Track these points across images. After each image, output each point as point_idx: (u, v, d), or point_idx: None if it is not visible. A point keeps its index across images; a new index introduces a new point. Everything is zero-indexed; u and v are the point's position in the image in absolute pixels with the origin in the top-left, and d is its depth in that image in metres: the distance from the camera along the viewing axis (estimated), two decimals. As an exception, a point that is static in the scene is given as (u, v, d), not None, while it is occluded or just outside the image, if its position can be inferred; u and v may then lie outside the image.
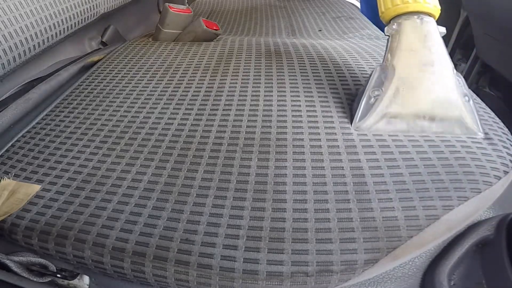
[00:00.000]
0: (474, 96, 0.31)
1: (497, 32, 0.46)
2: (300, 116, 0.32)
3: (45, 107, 0.39)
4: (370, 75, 0.31)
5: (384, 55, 0.31)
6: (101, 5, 0.51)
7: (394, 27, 0.30)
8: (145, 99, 0.38)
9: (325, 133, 0.30)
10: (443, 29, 0.30)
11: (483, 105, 0.33)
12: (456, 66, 0.79)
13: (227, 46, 0.50)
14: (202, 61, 0.45)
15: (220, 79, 0.40)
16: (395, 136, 0.29)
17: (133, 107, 0.37)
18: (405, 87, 0.28)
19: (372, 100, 0.29)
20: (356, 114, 0.30)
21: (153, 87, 0.40)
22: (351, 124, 0.30)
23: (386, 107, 0.29)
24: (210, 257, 0.21)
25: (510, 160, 0.26)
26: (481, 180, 0.24)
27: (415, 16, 0.29)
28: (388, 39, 0.31)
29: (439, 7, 0.29)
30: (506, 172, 0.25)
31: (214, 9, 0.86)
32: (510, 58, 0.57)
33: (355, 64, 0.40)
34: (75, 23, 0.46)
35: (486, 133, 0.27)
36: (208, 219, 0.24)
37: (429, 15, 0.29)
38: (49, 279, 0.21)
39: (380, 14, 0.31)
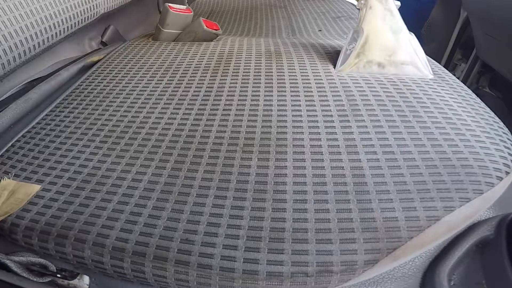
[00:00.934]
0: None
1: (497, 32, 0.47)
2: (300, 116, 0.32)
3: (45, 107, 0.39)
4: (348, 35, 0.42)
5: (358, 21, 0.41)
6: (101, 5, 0.51)
7: (362, 1, 0.41)
8: (145, 99, 0.38)
9: (325, 132, 0.30)
10: (398, 3, 0.41)
11: (483, 104, 0.33)
12: (456, 66, 0.79)
13: (227, 46, 0.50)
14: (202, 61, 0.45)
15: (220, 79, 0.40)
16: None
17: (133, 107, 0.37)
18: (369, 42, 0.39)
19: (348, 51, 0.40)
20: (338, 62, 0.41)
21: (153, 87, 0.40)
22: (334, 68, 0.40)
23: (357, 55, 0.39)
24: (210, 257, 0.21)
25: (511, 160, 0.26)
26: (484, 181, 0.24)
27: None
28: (359, 11, 0.41)
29: None
30: (507, 173, 0.25)
31: (214, 9, 0.86)
32: (510, 58, 0.57)
33: (355, 64, 0.40)
34: (75, 23, 0.46)
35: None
36: (208, 219, 0.24)
37: None
38: (49, 279, 0.21)
39: None
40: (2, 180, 0.28)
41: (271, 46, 0.49)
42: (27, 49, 0.38)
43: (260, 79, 0.39)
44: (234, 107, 0.35)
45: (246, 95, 0.36)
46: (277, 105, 0.34)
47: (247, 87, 0.38)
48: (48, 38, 0.41)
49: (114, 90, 0.40)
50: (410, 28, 0.53)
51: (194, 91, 0.38)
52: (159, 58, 0.47)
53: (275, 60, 0.44)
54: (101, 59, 0.50)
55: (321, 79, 0.38)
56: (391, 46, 0.39)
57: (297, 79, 0.38)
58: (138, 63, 0.46)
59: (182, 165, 0.28)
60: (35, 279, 0.21)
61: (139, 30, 0.70)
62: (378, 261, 0.21)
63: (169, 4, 0.52)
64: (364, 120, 0.31)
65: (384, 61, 0.39)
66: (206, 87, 0.39)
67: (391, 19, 0.39)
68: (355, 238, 0.21)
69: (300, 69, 0.41)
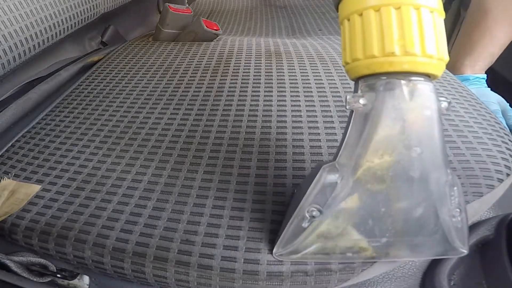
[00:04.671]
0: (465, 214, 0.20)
1: (497, 32, 0.47)
2: (300, 116, 0.32)
3: (45, 107, 0.39)
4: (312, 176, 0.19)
5: (339, 149, 0.18)
6: (101, 5, 0.51)
7: (362, 102, 0.17)
8: (145, 99, 0.38)
9: (325, 133, 0.30)
10: (446, 104, 0.17)
11: (484, 105, 0.33)
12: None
13: (227, 46, 0.50)
14: (202, 61, 0.45)
15: (220, 79, 0.40)
16: None
17: (133, 107, 0.37)
18: (362, 217, 0.18)
19: (306, 223, 0.19)
20: (281, 237, 0.20)
21: (153, 87, 0.40)
22: (271, 252, 0.21)
23: (322, 237, 0.19)
24: (210, 258, 0.21)
25: None
26: (484, 184, 0.24)
27: (404, 81, 0.16)
28: (349, 117, 0.18)
29: (447, 58, 0.16)
30: (508, 175, 0.25)
31: (214, 9, 0.86)
32: (510, 58, 0.57)
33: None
34: (75, 23, 0.46)
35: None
36: (208, 220, 0.24)
37: (428, 76, 0.16)
38: (49, 279, 0.21)
39: (343, 64, 0.18)
40: (2, 180, 0.28)
41: (271, 46, 0.49)
42: (27, 49, 0.38)
43: (260, 79, 0.39)
44: (234, 107, 0.35)
45: (246, 95, 0.36)
46: (277, 105, 0.34)
47: (247, 87, 0.38)
48: (48, 38, 0.41)
49: (114, 90, 0.40)
50: None
51: (194, 91, 0.38)
52: (159, 58, 0.47)
53: (275, 60, 0.44)
54: (101, 59, 0.50)
55: (321, 79, 0.38)
56: (407, 216, 0.18)
57: (297, 79, 0.38)
58: (138, 63, 0.46)
59: (182, 166, 0.28)
60: (35, 279, 0.21)
61: (139, 30, 0.70)
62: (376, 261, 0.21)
63: (169, 4, 0.52)
64: None
65: (380, 242, 0.19)
66: (206, 87, 0.39)
67: (425, 158, 0.17)
68: None
69: (300, 69, 0.41)
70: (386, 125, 0.16)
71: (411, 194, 0.17)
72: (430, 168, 0.17)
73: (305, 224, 0.19)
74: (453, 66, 0.49)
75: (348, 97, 0.17)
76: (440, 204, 0.18)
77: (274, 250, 0.21)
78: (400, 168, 0.17)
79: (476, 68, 0.47)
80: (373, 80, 0.17)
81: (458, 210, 0.19)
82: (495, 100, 0.43)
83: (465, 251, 0.20)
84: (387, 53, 0.15)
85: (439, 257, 0.21)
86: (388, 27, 0.15)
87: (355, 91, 0.17)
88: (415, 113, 0.16)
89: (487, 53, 0.47)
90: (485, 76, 0.48)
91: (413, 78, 0.16)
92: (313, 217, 0.19)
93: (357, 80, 0.18)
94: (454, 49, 0.51)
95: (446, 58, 0.16)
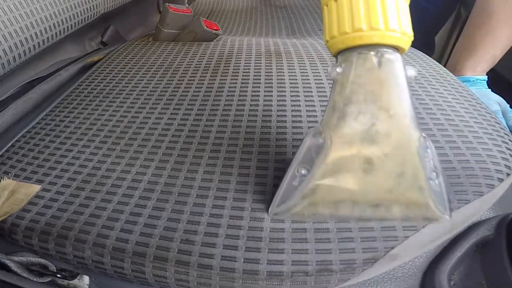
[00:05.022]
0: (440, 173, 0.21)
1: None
2: (300, 116, 0.32)
3: (45, 107, 0.39)
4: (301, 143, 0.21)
5: (325, 115, 0.20)
6: (101, 5, 0.51)
7: (338, 70, 0.20)
8: (145, 99, 0.38)
9: (325, 133, 0.30)
10: (412, 72, 0.20)
11: (484, 105, 0.33)
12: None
13: (227, 46, 0.50)
14: (202, 61, 0.45)
15: (220, 79, 0.40)
16: None
17: (133, 107, 0.37)
18: (341, 170, 0.20)
19: (297, 181, 0.21)
20: (275, 197, 0.23)
21: (153, 87, 0.40)
22: (267, 212, 0.23)
23: (311, 194, 0.21)
24: (210, 257, 0.21)
25: None
26: (484, 183, 0.24)
27: (372, 52, 0.19)
28: (332, 86, 0.20)
29: (411, 34, 0.19)
30: (508, 174, 0.25)
31: (214, 9, 0.86)
32: (510, 58, 0.57)
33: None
34: (75, 23, 0.46)
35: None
36: (208, 219, 0.24)
37: (395, 48, 0.19)
38: (49, 279, 0.21)
39: (325, 42, 0.21)
40: (2, 180, 0.28)
41: (271, 46, 0.49)
42: (27, 49, 0.38)
43: (260, 79, 0.39)
44: (234, 107, 0.35)
45: (246, 95, 0.36)
46: (277, 105, 0.34)
47: (247, 87, 0.38)
48: (48, 38, 0.41)
49: (114, 90, 0.40)
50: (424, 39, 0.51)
51: (194, 91, 0.38)
52: (159, 58, 0.47)
53: (275, 60, 0.44)
54: (101, 59, 0.50)
55: (321, 79, 0.38)
56: (383, 176, 0.20)
57: (297, 79, 0.38)
58: (138, 63, 0.46)
59: (182, 166, 0.28)
60: (35, 279, 0.21)
61: (139, 30, 0.70)
62: (377, 260, 0.21)
63: (169, 4, 0.52)
64: None
65: (361, 203, 0.21)
66: (206, 87, 0.39)
67: (393, 119, 0.19)
68: (353, 237, 0.21)
69: (300, 69, 0.41)
70: (358, 90, 0.19)
71: (387, 152, 0.19)
72: (402, 128, 0.19)
73: (295, 183, 0.21)
74: (454, 68, 0.49)
75: (328, 68, 0.20)
76: (414, 164, 0.20)
77: (269, 210, 0.23)
78: (374, 129, 0.19)
79: (477, 70, 0.47)
80: (348, 53, 0.20)
81: (434, 173, 0.20)
82: (495, 101, 0.43)
83: (448, 216, 0.21)
84: (356, 29, 0.19)
85: (425, 223, 0.22)
86: (356, 9, 0.19)
87: (332, 68, 0.20)
88: (384, 78, 0.19)
89: (488, 55, 0.47)
90: (485, 77, 0.48)
91: (380, 49, 0.19)
92: (303, 175, 0.21)
93: (336, 55, 0.21)
94: (455, 50, 0.51)
95: (409, 33, 0.19)
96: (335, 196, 0.21)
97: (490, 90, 0.46)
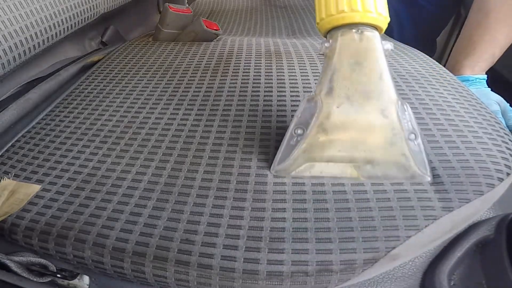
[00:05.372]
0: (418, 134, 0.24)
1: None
2: (300, 116, 0.32)
3: (45, 107, 0.39)
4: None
5: (317, 84, 0.25)
6: (101, 5, 0.51)
7: (326, 45, 0.24)
8: (145, 99, 0.38)
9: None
10: (388, 46, 0.24)
11: (484, 105, 0.33)
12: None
13: (227, 46, 0.50)
14: (202, 61, 0.45)
15: (220, 79, 0.40)
16: None
17: (133, 107, 0.37)
18: (332, 126, 0.23)
19: (294, 140, 0.24)
20: (276, 156, 0.26)
21: (153, 87, 0.40)
22: (269, 169, 0.25)
23: (307, 150, 0.24)
24: (210, 257, 0.21)
25: None
26: (484, 183, 0.24)
27: (354, 30, 0.23)
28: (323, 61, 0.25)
29: (386, 15, 0.23)
30: (508, 174, 0.25)
31: (214, 9, 0.86)
32: (510, 58, 0.57)
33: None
34: (75, 23, 0.46)
35: (436, 175, 0.24)
36: (208, 219, 0.24)
37: (373, 27, 0.23)
38: (49, 279, 0.21)
39: (316, 25, 0.26)
40: (2, 180, 0.28)
41: (271, 46, 0.49)
42: (27, 49, 0.38)
43: (260, 79, 0.39)
44: (234, 107, 0.35)
45: (246, 95, 0.36)
46: (277, 105, 0.34)
47: (247, 87, 0.38)
48: (48, 38, 0.41)
49: (114, 90, 0.40)
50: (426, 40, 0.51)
51: (194, 91, 0.38)
52: (159, 58, 0.47)
53: (275, 60, 0.44)
54: (101, 59, 0.50)
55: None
56: (367, 135, 0.23)
57: (297, 79, 0.38)
58: (138, 63, 0.46)
59: (182, 166, 0.28)
60: (35, 279, 0.21)
61: (139, 30, 0.70)
62: (377, 261, 0.21)
63: (169, 4, 0.52)
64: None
65: (349, 160, 0.24)
66: (206, 87, 0.39)
67: (374, 81, 0.23)
68: (354, 237, 0.21)
69: (300, 69, 0.41)
70: (343, 60, 0.23)
71: (366, 110, 0.23)
72: (381, 91, 0.23)
73: (293, 142, 0.25)
74: (453, 67, 0.49)
75: (319, 45, 0.25)
76: (394, 124, 0.23)
77: (271, 168, 0.26)
78: (357, 93, 0.23)
79: (476, 69, 0.47)
80: (334, 31, 0.24)
81: (413, 134, 0.24)
82: (495, 101, 0.43)
83: (428, 177, 0.24)
84: (340, 11, 0.23)
85: (410, 181, 0.24)
86: None
87: (322, 45, 0.24)
88: (364, 50, 0.23)
89: (487, 54, 0.47)
90: (485, 76, 0.48)
91: (360, 27, 0.23)
92: (299, 135, 0.24)
93: (325, 35, 0.25)
94: (454, 50, 0.51)
95: (385, 14, 0.23)
96: (328, 153, 0.24)
97: (490, 89, 0.46)
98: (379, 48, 0.23)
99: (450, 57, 0.51)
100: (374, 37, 0.23)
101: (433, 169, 0.25)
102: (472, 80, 0.47)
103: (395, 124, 0.23)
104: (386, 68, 0.23)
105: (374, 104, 0.23)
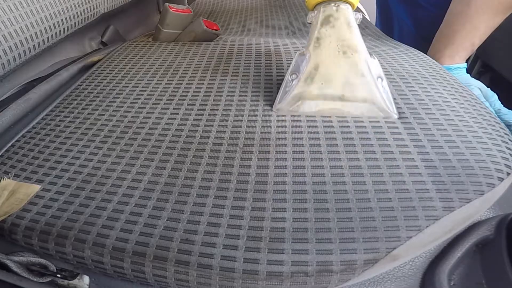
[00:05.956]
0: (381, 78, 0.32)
1: (497, 32, 0.47)
2: (299, 115, 0.32)
3: (45, 107, 0.39)
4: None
5: (307, 43, 0.33)
6: (101, 5, 0.51)
7: (312, 15, 0.33)
8: (145, 99, 0.38)
9: (324, 132, 0.30)
10: (359, 15, 0.31)
11: (483, 105, 0.33)
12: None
13: (227, 46, 0.50)
14: (202, 61, 0.45)
15: (220, 79, 0.40)
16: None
17: (133, 107, 0.37)
18: (318, 71, 0.31)
19: (289, 85, 0.32)
20: (277, 97, 0.34)
21: (153, 87, 0.40)
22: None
23: (299, 90, 0.32)
24: (210, 257, 0.21)
25: None
26: (485, 182, 0.24)
27: (332, 4, 0.31)
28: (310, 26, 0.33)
29: None
30: (508, 174, 0.25)
31: (214, 9, 0.86)
32: (510, 58, 0.57)
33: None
34: (75, 23, 0.46)
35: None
36: (208, 219, 0.24)
37: (348, 3, 0.32)
38: (49, 279, 0.21)
39: (305, 3, 0.34)
40: (2, 180, 0.28)
41: (271, 46, 0.49)
42: (27, 49, 0.38)
43: (260, 79, 0.39)
44: (234, 107, 0.35)
45: (246, 95, 0.36)
46: (277, 105, 0.34)
47: (247, 87, 0.38)
48: (48, 38, 0.41)
49: (114, 90, 0.40)
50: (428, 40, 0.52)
51: (194, 91, 0.38)
52: (159, 58, 0.47)
53: (275, 60, 0.44)
54: (101, 59, 0.50)
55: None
56: (345, 78, 0.30)
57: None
58: (138, 63, 0.46)
59: (182, 165, 0.28)
60: (35, 279, 0.21)
61: (139, 30, 0.70)
62: (377, 261, 0.21)
63: (169, 4, 0.52)
64: (363, 120, 0.31)
65: (332, 99, 0.31)
66: (206, 87, 0.39)
67: (349, 38, 0.31)
68: (355, 238, 0.21)
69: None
70: (324, 24, 0.31)
71: (345, 60, 0.31)
72: (353, 45, 0.31)
73: (288, 87, 0.33)
74: (432, 57, 0.49)
75: (308, 15, 0.33)
76: (364, 69, 0.30)
77: (273, 107, 0.33)
78: (337, 48, 0.31)
79: (456, 59, 0.47)
80: (318, 6, 0.33)
81: (380, 78, 0.31)
82: (476, 86, 0.44)
83: (395, 115, 0.31)
84: None
85: (380, 114, 0.31)
86: None
87: (309, 15, 0.33)
88: (339, 18, 0.31)
89: (467, 43, 0.47)
90: (465, 65, 0.48)
91: (337, 2, 0.31)
92: (293, 79, 0.32)
93: (312, 9, 0.33)
94: (435, 40, 0.51)
95: None
96: (315, 93, 0.31)
97: (469, 75, 0.46)
98: (351, 15, 0.31)
99: (431, 47, 0.51)
100: (347, 8, 0.31)
101: (433, 167, 0.25)
102: (453, 69, 0.47)
103: (365, 68, 0.30)
104: (358, 34, 0.31)
105: (349, 52, 0.31)
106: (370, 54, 0.31)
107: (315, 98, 0.31)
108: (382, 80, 0.31)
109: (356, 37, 0.31)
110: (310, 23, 0.33)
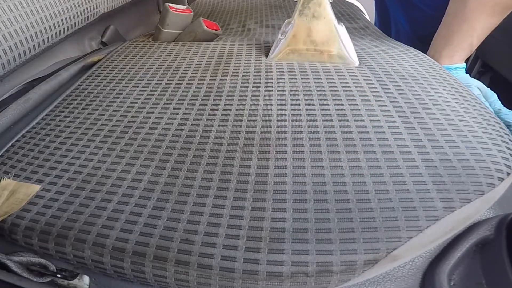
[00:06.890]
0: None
1: (497, 32, 0.47)
2: (300, 115, 0.32)
3: (45, 107, 0.39)
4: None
5: (293, 13, 0.43)
6: (101, 5, 0.51)
7: (301, 2, 0.42)
8: (145, 99, 0.38)
9: (324, 132, 0.30)
10: None
11: (483, 105, 0.33)
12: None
13: (227, 46, 0.50)
14: (202, 61, 0.45)
15: (220, 79, 0.40)
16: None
17: (133, 107, 0.37)
18: (299, 32, 0.42)
19: (279, 41, 0.44)
20: (270, 51, 0.45)
21: (153, 87, 0.40)
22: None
23: (287, 43, 0.43)
24: (210, 257, 0.21)
25: None
26: (485, 182, 0.24)
27: None
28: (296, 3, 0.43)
29: None
30: (508, 174, 0.25)
31: (214, 9, 0.86)
32: (510, 58, 0.57)
33: (355, 64, 0.41)
34: (75, 23, 0.46)
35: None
36: (208, 219, 0.24)
37: None
38: (49, 279, 0.21)
39: None
40: (2, 180, 0.28)
41: (271, 46, 0.49)
42: (27, 49, 0.38)
43: (260, 79, 0.39)
44: (234, 107, 0.35)
45: (246, 95, 0.36)
46: (277, 104, 0.34)
47: (247, 87, 0.38)
48: (48, 38, 0.41)
49: (114, 90, 0.40)
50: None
51: (194, 91, 0.38)
52: (159, 58, 0.47)
53: (275, 60, 0.44)
54: (101, 59, 0.50)
55: (320, 79, 0.38)
56: (319, 35, 0.42)
57: (296, 79, 0.38)
58: (138, 63, 0.46)
59: (182, 165, 0.28)
60: (35, 279, 0.21)
61: (139, 30, 0.70)
62: (378, 261, 0.21)
63: (169, 4, 0.52)
64: (363, 120, 0.31)
65: (310, 50, 0.43)
66: (206, 87, 0.39)
67: (319, 11, 0.42)
68: (355, 238, 0.21)
69: (299, 69, 0.41)
70: (305, 3, 0.42)
71: (318, 22, 0.42)
72: (325, 14, 0.42)
73: (278, 43, 0.44)
74: (432, 57, 0.49)
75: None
76: (334, 29, 0.42)
77: (267, 57, 0.44)
78: (314, 18, 0.42)
79: (455, 59, 0.47)
80: None
81: (344, 39, 0.42)
82: (475, 86, 0.43)
83: (356, 63, 0.41)
84: None
85: (343, 61, 0.42)
86: None
87: None
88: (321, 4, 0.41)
89: (465, 43, 0.47)
90: (464, 65, 0.48)
91: None
92: (284, 37, 0.43)
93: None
94: (433, 41, 0.51)
95: None
96: (298, 47, 0.43)
97: (468, 75, 0.46)
98: (327, 1, 0.41)
99: (430, 48, 0.51)
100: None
101: (434, 167, 0.25)
102: (452, 69, 0.47)
103: (333, 28, 0.41)
104: (330, 8, 0.41)
105: (324, 22, 0.42)
106: (338, 22, 0.42)
107: (298, 50, 0.43)
108: (345, 41, 0.42)
109: (326, 9, 0.42)
110: (296, 1, 0.43)
